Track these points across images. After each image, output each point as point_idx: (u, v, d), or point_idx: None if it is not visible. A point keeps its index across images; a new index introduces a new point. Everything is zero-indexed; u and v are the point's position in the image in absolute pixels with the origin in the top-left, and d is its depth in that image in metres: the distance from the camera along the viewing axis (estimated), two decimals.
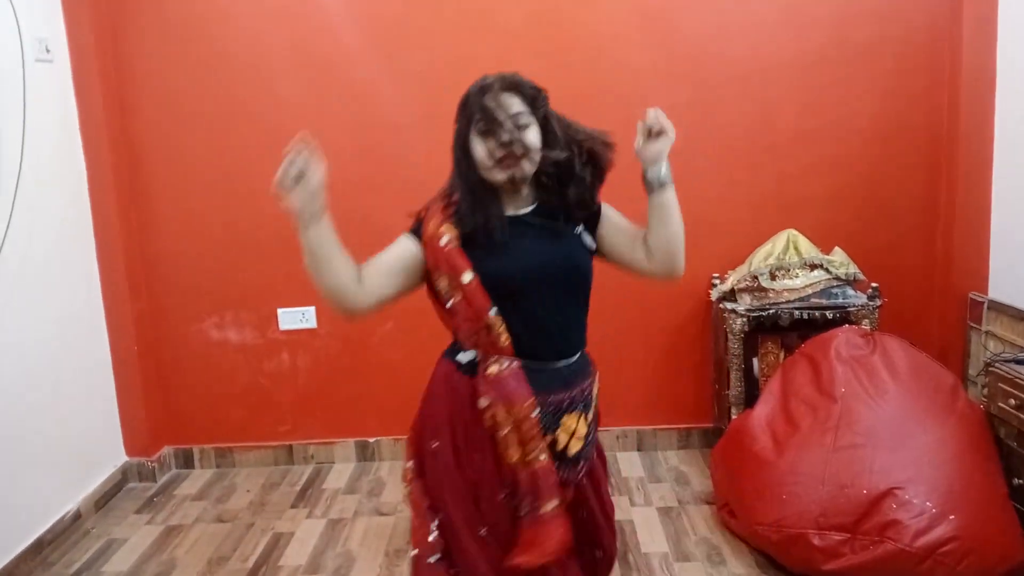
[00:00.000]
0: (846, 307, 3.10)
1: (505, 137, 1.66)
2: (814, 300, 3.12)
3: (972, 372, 3.18)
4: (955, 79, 3.24)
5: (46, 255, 3.03)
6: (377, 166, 3.37)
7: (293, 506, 3.23)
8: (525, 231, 1.74)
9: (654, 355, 3.50)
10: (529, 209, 1.78)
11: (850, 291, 3.15)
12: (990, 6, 3.06)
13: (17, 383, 2.85)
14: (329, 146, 3.34)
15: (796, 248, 3.16)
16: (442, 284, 1.74)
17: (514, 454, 1.71)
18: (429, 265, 1.74)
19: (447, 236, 1.71)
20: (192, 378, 3.55)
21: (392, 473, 3.48)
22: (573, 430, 1.76)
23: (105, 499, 3.30)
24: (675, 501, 3.10)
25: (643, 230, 1.81)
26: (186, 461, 3.63)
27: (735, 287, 3.20)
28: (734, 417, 3.10)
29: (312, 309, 3.48)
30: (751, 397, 3.14)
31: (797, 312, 3.11)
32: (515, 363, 1.72)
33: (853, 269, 3.15)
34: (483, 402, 1.73)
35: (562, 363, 1.78)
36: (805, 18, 3.25)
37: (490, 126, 1.67)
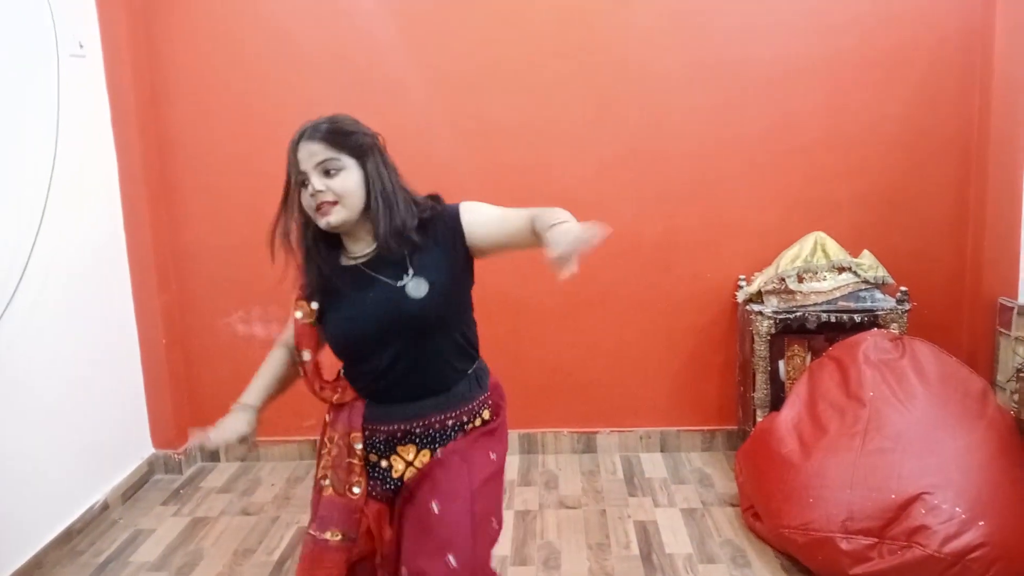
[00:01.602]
0: (874, 311, 3.08)
1: (316, 185, 1.68)
2: (842, 303, 3.10)
3: (1001, 378, 3.16)
4: (986, 83, 3.22)
5: (78, 248, 3.06)
6: (404, 164, 3.37)
7: None
8: (363, 282, 1.75)
9: (679, 356, 3.50)
10: (365, 257, 1.77)
11: (878, 294, 3.13)
12: (1023, 10, 3.03)
13: (46, 374, 2.89)
14: None
15: (824, 251, 3.15)
16: (303, 357, 1.87)
17: (323, 471, 1.82)
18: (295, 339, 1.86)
19: (299, 311, 1.81)
20: (219, 372, 3.58)
21: None
22: (411, 460, 1.80)
23: (132, 490, 3.34)
24: (699, 503, 3.09)
25: (524, 218, 1.71)
26: (212, 454, 3.66)
27: (762, 289, 3.19)
28: (759, 419, 3.09)
29: None
30: (776, 400, 3.13)
31: (824, 315, 3.09)
32: (358, 402, 1.82)
33: (882, 272, 3.13)
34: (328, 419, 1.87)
35: (415, 404, 1.79)
36: (835, 21, 3.23)
37: (301, 176, 1.71)
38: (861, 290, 3.12)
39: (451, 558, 1.68)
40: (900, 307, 3.09)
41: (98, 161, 3.22)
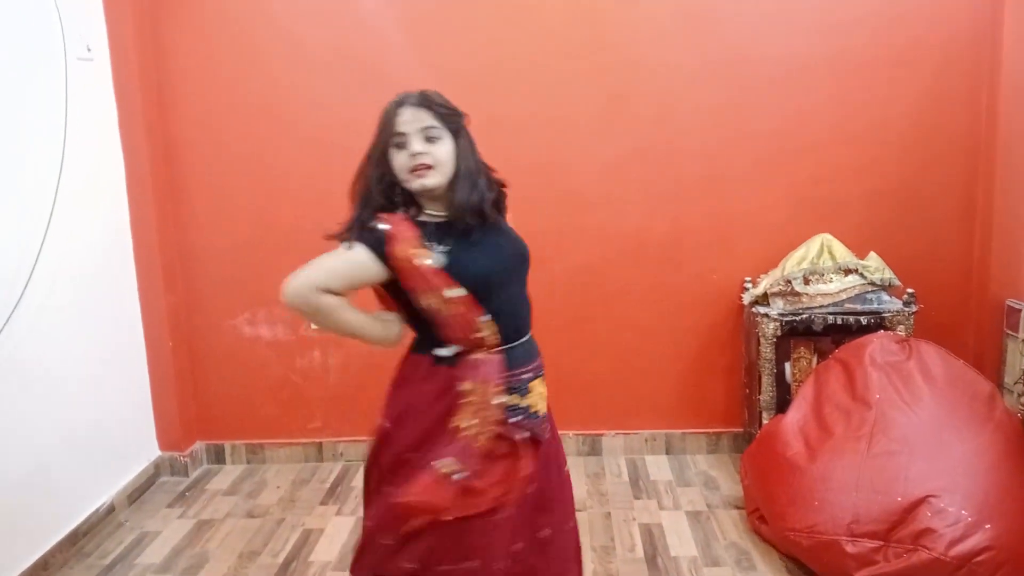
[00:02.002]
0: (881, 313, 3.07)
1: (415, 147, 1.77)
2: (848, 305, 3.09)
3: (1008, 380, 3.14)
4: (994, 83, 3.20)
5: (85, 249, 3.08)
6: None
7: (323, 503, 3.26)
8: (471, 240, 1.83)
9: (685, 358, 3.49)
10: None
11: (885, 297, 3.12)
12: None
13: (53, 375, 2.90)
14: (365, 143, 3.38)
15: (831, 253, 3.13)
16: (428, 301, 1.78)
17: (465, 421, 1.79)
18: (407, 285, 1.79)
19: (426, 259, 1.76)
20: (225, 374, 3.59)
21: None
22: (541, 392, 1.91)
23: (138, 492, 3.35)
24: (704, 505, 3.09)
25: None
26: (217, 456, 3.67)
27: (768, 291, 3.18)
28: (765, 422, 3.08)
29: None
30: (783, 402, 3.11)
31: (831, 317, 3.08)
32: (494, 354, 1.82)
33: (888, 274, 3.12)
34: (466, 386, 1.80)
35: (526, 338, 1.90)
36: (843, 19, 3.22)
37: (403, 139, 1.78)
38: (868, 292, 3.10)
39: None
40: (907, 309, 3.08)
41: (105, 163, 3.23)
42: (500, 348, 1.83)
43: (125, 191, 3.33)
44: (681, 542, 2.83)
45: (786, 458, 2.69)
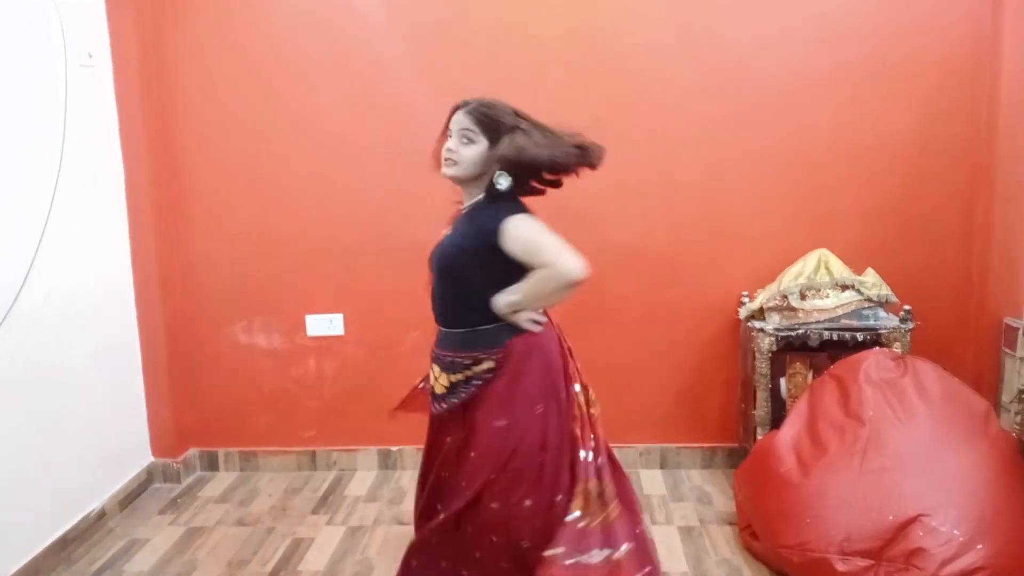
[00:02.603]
0: (877, 329, 3.05)
1: (449, 144, 2.17)
2: (844, 321, 3.07)
3: (1005, 399, 3.11)
4: (994, 100, 3.19)
5: (82, 256, 3.08)
6: (411, 176, 3.38)
7: (314, 512, 3.25)
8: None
9: (680, 372, 3.47)
10: (466, 209, 2.22)
11: (882, 313, 3.10)
12: None
13: (48, 380, 2.90)
14: (364, 154, 3.41)
15: (827, 268, 3.12)
16: None
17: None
18: None
19: None
20: (220, 381, 3.59)
21: (414, 482, 3.47)
22: (436, 377, 2.24)
23: (130, 499, 3.34)
24: (697, 521, 3.06)
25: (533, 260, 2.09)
26: (211, 463, 3.66)
27: (764, 306, 3.17)
28: (760, 437, 3.06)
29: (340, 316, 3.51)
30: (777, 417, 3.09)
31: (827, 333, 3.07)
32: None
33: (885, 291, 3.10)
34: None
35: (443, 334, 2.23)
36: (843, 33, 3.22)
37: (448, 134, 2.19)
38: (864, 308, 3.09)
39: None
40: (903, 326, 3.06)
41: (105, 171, 3.24)
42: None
43: (124, 199, 3.34)
44: (672, 557, 2.80)
45: (779, 474, 2.67)
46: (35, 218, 2.83)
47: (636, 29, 3.27)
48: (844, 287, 3.10)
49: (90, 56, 3.12)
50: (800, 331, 3.08)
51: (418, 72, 3.33)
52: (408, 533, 3.00)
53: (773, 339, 3.09)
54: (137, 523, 3.19)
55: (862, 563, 2.36)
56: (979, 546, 2.30)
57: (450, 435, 2.22)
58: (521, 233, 2.07)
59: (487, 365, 2.14)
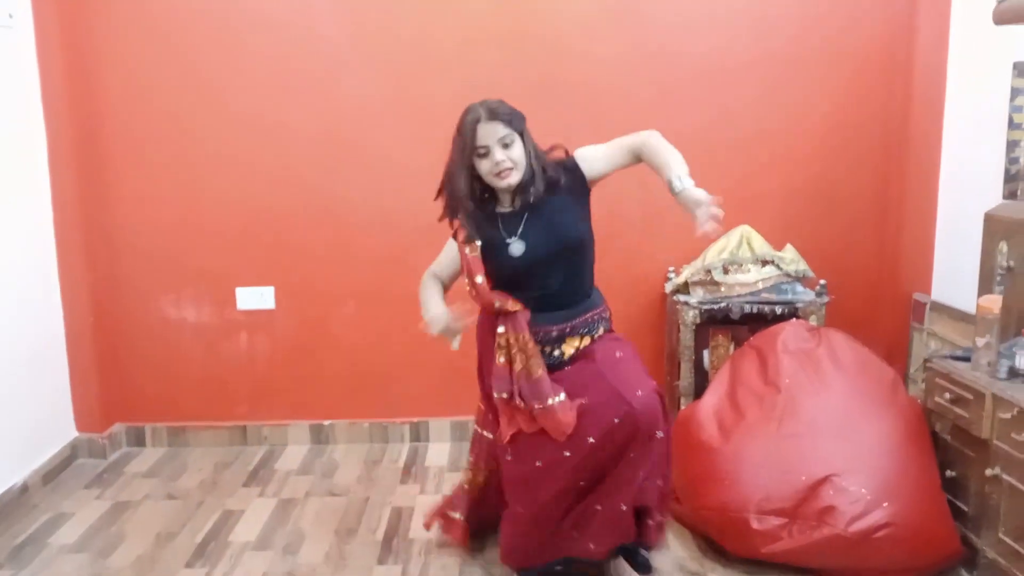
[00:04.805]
0: (795, 303, 3.19)
1: (496, 156, 2.22)
2: (764, 295, 3.20)
3: (913, 370, 3.29)
4: (908, 86, 3.35)
5: (2, 221, 3.00)
6: (342, 149, 3.38)
7: (245, 485, 3.24)
8: (515, 224, 2.33)
9: None
10: (514, 208, 2.35)
11: (799, 287, 3.24)
12: (943, 13, 3.17)
13: None
14: (293, 123, 3.36)
15: (749, 244, 3.24)
16: (467, 282, 2.38)
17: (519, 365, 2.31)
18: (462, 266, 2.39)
19: (470, 250, 2.34)
20: (147, 355, 3.53)
21: (346, 455, 3.50)
22: (578, 345, 2.40)
23: (54, 474, 3.28)
24: None
25: (628, 147, 2.40)
26: (138, 439, 3.61)
27: (689, 280, 3.27)
28: (683, 407, 3.17)
29: (271, 289, 3.49)
30: (701, 388, 3.20)
31: (748, 306, 3.19)
32: (522, 312, 2.32)
33: (803, 266, 3.24)
34: (500, 329, 2.33)
35: (562, 311, 2.37)
36: (768, 18, 3.34)
37: (485, 150, 2.23)
38: (783, 283, 3.22)
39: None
40: (819, 300, 3.20)
41: (26, 135, 3.16)
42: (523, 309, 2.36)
43: (47, 164, 3.25)
44: None
45: (700, 440, 2.77)
46: None
47: (562, 6, 3.32)
48: (764, 262, 3.23)
49: (10, 16, 3.03)
50: (723, 304, 3.20)
51: (346, 42, 3.32)
52: (340, 504, 3.04)
53: (697, 312, 3.20)
54: (62, 498, 3.13)
55: (777, 521, 2.48)
56: (885, 504, 2.43)
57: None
58: (594, 150, 2.38)
59: (608, 313, 2.49)
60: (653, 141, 2.36)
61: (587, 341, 2.41)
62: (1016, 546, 2.33)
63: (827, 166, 3.45)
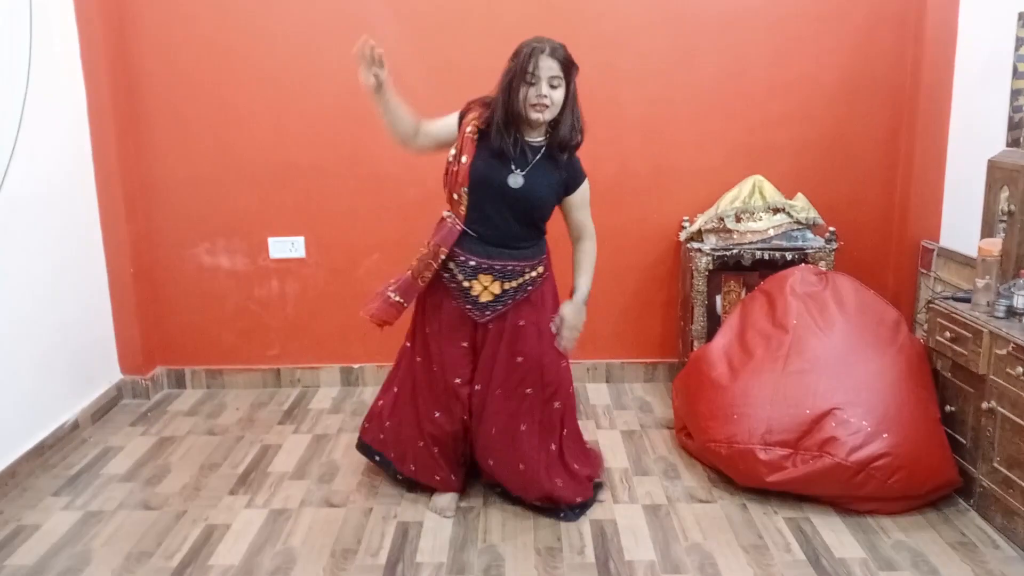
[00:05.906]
0: (805, 249, 3.31)
1: (542, 90, 2.34)
2: (775, 242, 3.32)
3: (921, 316, 3.40)
4: (920, 39, 3.41)
5: (48, 177, 3.16)
6: (370, 103, 3.49)
7: (280, 423, 3.43)
8: (527, 156, 2.46)
9: (625, 293, 3.70)
10: (539, 140, 2.48)
11: (809, 235, 3.35)
12: None
13: (19, 296, 3.01)
14: (325, 78, 3.47)
15: (761, 193, 3.35)
16: (452, 152, 2.49)
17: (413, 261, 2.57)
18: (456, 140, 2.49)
19: (471, 129, 2.45)
20: (185, 301, 3.72)
21: (374, 397, 3.66)
22: (487, 286, 2.52)
23: (101, 412, 3.49)
24: (638, 426, 3.32)
25: (579, 220, 2.63)
26: (178, 381, 3.81)
27: (702, 228, 3.39)
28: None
29: (301, 239, 3.64)
30: (713, 332, 3.33)
31: (759, 253, 3.31)
32: (458, 225, 2.49)
33: (813, 214, 3.35)
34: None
35: (498, 250, 2.49)
36: None
37: (533, 80, 2.34)
38: (794, 230, 3.33)
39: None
40: (828, 246, 3.31)
41: (67, 92, 3.30)
42: (462, 227, 2.50)
43: (87, 120, 3.40)
44: (615, 456, 3.06)
45: (711, 378, 2.92)
46: (2, 139, 2.90)
47: None
48: (776, 210, 3.34)
49: None
50: (735, 251, 3.32)
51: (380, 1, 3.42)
52: None
53: (710, 259, 3.33)
54: (109, 434, 3.34)
55: (782, 452, 2.64)
56: (884, 435, 2.58)
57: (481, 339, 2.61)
58: (587, 194, 2.60)
59: (540, 270, 2.59)
60: (589, 246, 2.62)
61: (497, 287, 2.53)
62: (1009, 473, 2.48)
63: (839, 118, 3.53)
